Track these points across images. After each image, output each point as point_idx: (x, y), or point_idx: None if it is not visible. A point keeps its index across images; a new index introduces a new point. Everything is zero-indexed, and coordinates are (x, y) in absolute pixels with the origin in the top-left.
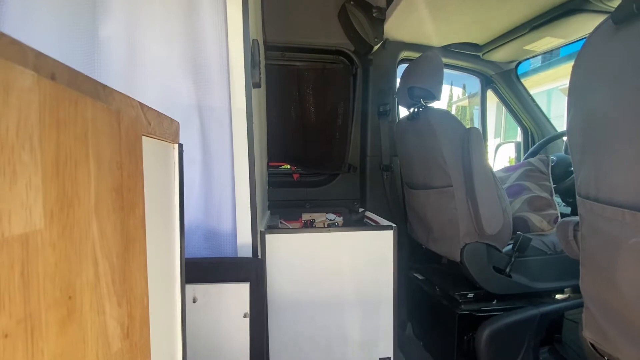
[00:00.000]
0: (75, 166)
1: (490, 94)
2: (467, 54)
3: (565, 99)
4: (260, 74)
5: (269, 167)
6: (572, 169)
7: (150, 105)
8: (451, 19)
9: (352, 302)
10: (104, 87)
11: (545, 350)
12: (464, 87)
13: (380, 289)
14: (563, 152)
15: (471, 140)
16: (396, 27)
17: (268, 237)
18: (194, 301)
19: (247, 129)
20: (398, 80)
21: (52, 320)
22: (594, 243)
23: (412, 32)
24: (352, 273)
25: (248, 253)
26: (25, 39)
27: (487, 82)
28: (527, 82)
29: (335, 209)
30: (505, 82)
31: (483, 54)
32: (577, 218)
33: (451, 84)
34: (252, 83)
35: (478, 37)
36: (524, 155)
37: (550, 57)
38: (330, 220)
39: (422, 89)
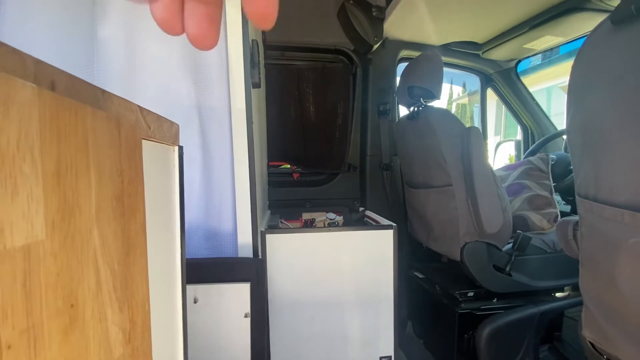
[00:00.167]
0: (75, 176)
1: (490, 92)
2: (467, 53)
3: (565, 96)
4: (259, 74)
5: (269, 166)
6: (572, 167)
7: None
8: (451, 18)
9: (352, 301)
10: (103, 92)
11: (545, 349)
12: (463, 85)
13: (381, 288)
14: (563, 151)
15: (471, 140)
16: (396, 26)
17: (268, 237)
18: (195, 301)
19: (247, 129)
20: (398, 79)
21: (55, 330)
22: (593, 243)
23: (412, 31)
24: (353, 272)
25: (249, 253)
26: (25, 40)
27: (487, 81)
28: (527, 80)
29: (335, 208)
30: (505, 80)
31: (483, 53)
32: (576, 217)
33: (451, 82)
34: (251, 83)
35: (478, 35)
36: (524, 153)
37: (550, 55)
38: (331, 219)
39: (422, 88)
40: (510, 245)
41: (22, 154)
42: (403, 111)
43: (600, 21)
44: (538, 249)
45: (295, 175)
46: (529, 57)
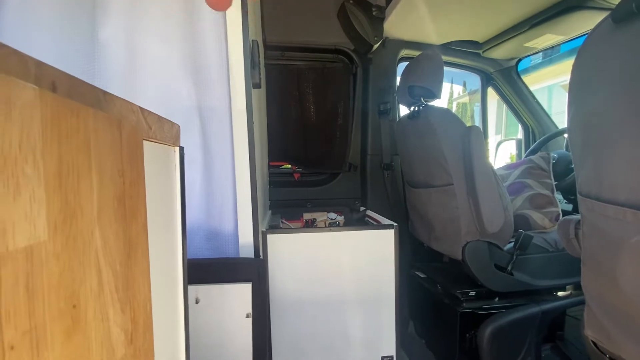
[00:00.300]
0: (77, 177)
1: (490, 91)
2: (467, 52)
3: (566, 95)
4: (260, 74)
5: (269, 167)
6: (573, 166)
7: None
8: (451, 17)
9: (354, 301)
10: (105, 93)
11: (548, 348)
12: (464, 84)
13: (382, 287)
14: (564, 149)
15: (472, 139)
16: (396, 26)
17: (270, 237)
18: (197, 302)
19: (248, 130)
20: (398, 79)
21: (57, 331)
22: (595, 242)
23: (412, 30)
24: (354, 272)
25: (250, 253)
26: (26, 41)
27: (487, 80)
28: (527, 78)
29: (336, 208)
30: (506, 79)
31: (483, 52)
32: (578, 216)
33: (451, 81)
34: (252, 83)
35: (478, 34)
36: (525, 152)
37: (551, 53)
38: (332, 219)
39: (423, 87)
40: (512, 244)
41: (24, 156)
42: (404, 110)
43: (601, 19)
44: (540, 248)
45: (296, 175)
46: (529, 55)
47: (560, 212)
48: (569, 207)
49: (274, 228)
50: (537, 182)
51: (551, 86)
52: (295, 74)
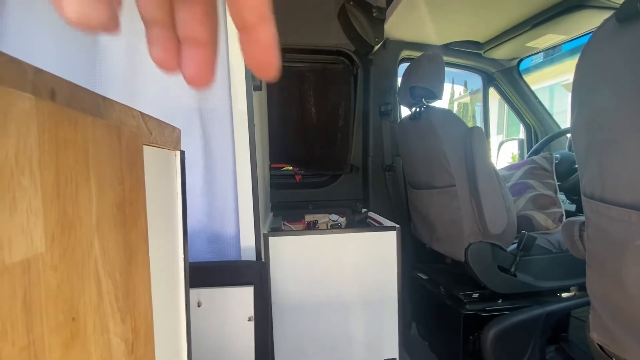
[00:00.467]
0: (75, 187)
1: (492, 91)
2: (469, 52)
3: (568, 94)
4: None
5: (271, 169)
6: (577, 166)
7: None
8: (451, 17)
9: (356, 303)
10: (104, 99)
11: (552, 350)
12: (465, 84)
13: (385, 289)
14: (567, 149)
15: (474, 140)
16: (396, 27)
17: (271, 239)
18: (199, 305)
19: (249, 132)
20: (399, 80)
21: (56, 344)
22: (600, 244)
23: (413, 31)
24: (356, 274)
25: (252, 256)
26: (27, 47)
27: (489, 80)
28: (529, 78)
29: (338, 209)
30: (507, 79)
31: (484, 52)
32: (582, 218)
33: (452, 82)
34: (253, 86)
35: (479, 35)
36: (527, 153)
37: (552, 53)
38: (334, 221)
39: (424, 88)
40: (515, 245)
41: (21, 167)
42: (405, 111)
43: (605, 19)
44: (543, 249)
45: (298, 177)
46: (531, 55)
47: (564, 213)
48: (572, 207)
49: (275, 230)
50: (539, 183)
51: (553, 85)
52: (296, 76)
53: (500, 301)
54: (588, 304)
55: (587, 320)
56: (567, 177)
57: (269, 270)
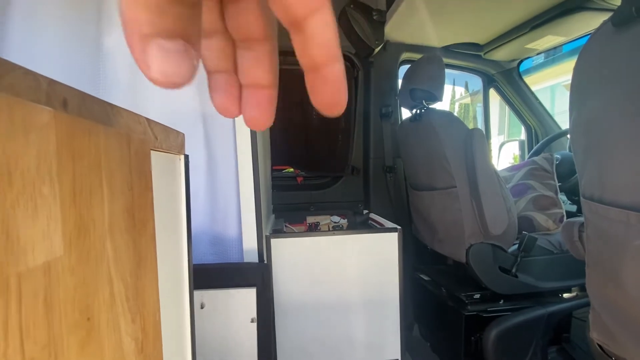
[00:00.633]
0: (89, 194)
1: (493, 92)
2: (469, 54)
3: (569, 95)
4: None
5: (272, 171)
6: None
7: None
8: (451, 20)
9: (358, 304)
10: (112, 107)
11: (554, 350)
12: (466, 85)
13: (386, 290)
14: (567, 150)
15: (474, 141)
16: (397, 29)
17: (273, 241)
18: (202, 307)
19: (251, 135)
20: (400, 82)
21: (73, 342)
22: (599, 244)
23: (413, 33)
24: (358, 275)
25: (254, 258)
26: (32, 51)
27: (489, 81)
28: (530, 78)
29: (339, 211)
30: (508, 80)
31: (484, 54)
32: (582, 218)
33: (453, 83)
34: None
35: (479, 36)
36: (528, 153)
37: (553, 53)
38: (335, 222)
39: (424, 90)
40: (516, 246)
41: (42, 177)
42: (405, 113)
43: (602, 22)
44: (544, 250)
45: (299, 179)
46: (531, 57)
47: (565, 214)
48: (573, 208)
49: (277, 232)
50: (540, 184)
51: (554, 86)
52: (297, 79)
53: (501, 302)
54: (589, 304)
55: (588, 321)
56: (567, 177)
57: (271, 271)
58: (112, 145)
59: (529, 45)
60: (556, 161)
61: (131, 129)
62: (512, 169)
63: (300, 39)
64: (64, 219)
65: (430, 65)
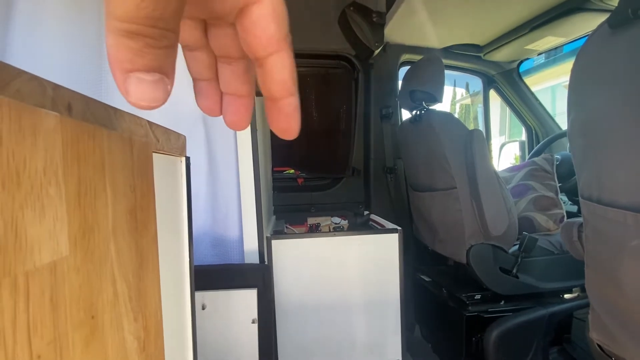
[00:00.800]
0: (94, 195)
1: (493, 93)
2: (468, 55)
3: None
4: None
5: (273, 172)
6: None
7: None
8: (451, 21)
9: (359, 305)
10: (115, 110)
11: (555, 351)
12: (466, 86)
13: (387, 291)
14: (568, 151)
15: (474, 143)
16: (396, 31)
17: (274, 242)
18: (203, 308)
19: (252, 137)
20: (400, 83)
21: (78, 340)
22: (598, 244)
23: (413, 35)
24: (359, 276)
25: (255, 259)
26: (35, 52)
27: (489, 82)
28: (531, 79)
29: (340, 212)
30: (508, 81)
31: (484, 55)
32: (581, 219)
33: (454, 83)
34: (255, 91)
35: (478, 38)
36: (528, 154)
37: (554, 54)
38: (336, 223)
39: (424, 91)
40: (517, 247)
41: (48, 178)
42: (405, 114)
43: (599, 25)
44: (545, 250)
45: (300, 181)
46: (530, 58)
47: (565, 214)
48: (574, 208)
49: (278, 233)
50: (540, 184)
51: (554, 86)
52: (297, 80)
53: (502, 302)
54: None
55: (587, 321)
56: (568, 178)
57: (272, 273)
58: (115, 148)
59: (529, 46)
60: (556, 162)
61: (133, 131)
62: (513, 169)
63: (261, 73)
64: (70, 219)
65: (430, 67)
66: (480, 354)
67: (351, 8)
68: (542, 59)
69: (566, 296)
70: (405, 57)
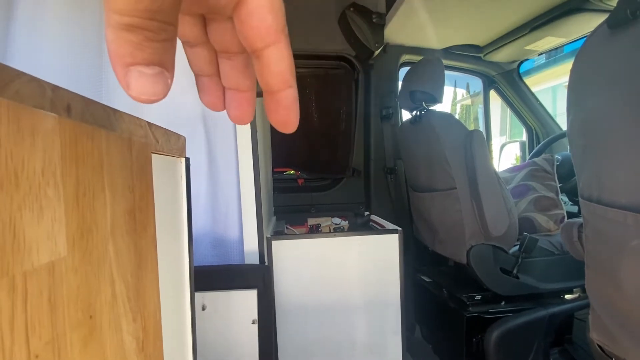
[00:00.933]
0: (92, 196)
1: (493, 94)
2: (469, 55)
3: None
4: None
5: (273, 173)
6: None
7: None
8: (451, 22)
9: (359, 306)
10: (115, 111)
11: (556, 352)
12: (467, 87)
13: (388, 292)
14: (568, 151)
15: (474, 143)
16: (396, 32)
17: (274, 243)
18: (203, 309)
19: (252, 137)
20: (400, 84)
21: (76, 340)
22: (598, 245)
23: (413, 35)
24: (359, 277)
25: (255, 260)
26: (35, 53)
27: (489, 83)
28: (531, 79)
29: (340, 213)
30: (508, 82)
31: (484, 55)
32: (581, 219)
33: (454, 84)
34: (255, 92)
35: (478, 38)
36: (529, 155)
37: (554, 54)
38: (336, 224)
39: (424, 92)
40: (517, 247)
41: (47, 179)
42: (406, 115)
43: (597, 25)
44: (545, 251)
45: (300, 181)
46: (530, 58)
47: (565, 215)
48: (575, 209)
49: (278, 234)
50: (541, 185)
51: (555, 87)
52: (297, 81)
53: (503, 303)
54: None
55: (588, 321)
56: (568, 178)
57: (272, 273)
58: (114, 148)
59: (529, 47)
60: (557, 162)
61: (132, 132)
62: (513, 170)
63: (259, 65)
64: (68, 220)
65: (429, 67)
66: (480, 355)
67: (351, 9)
68: (542, 59)
69: (567, 297)
70: (405, 57)
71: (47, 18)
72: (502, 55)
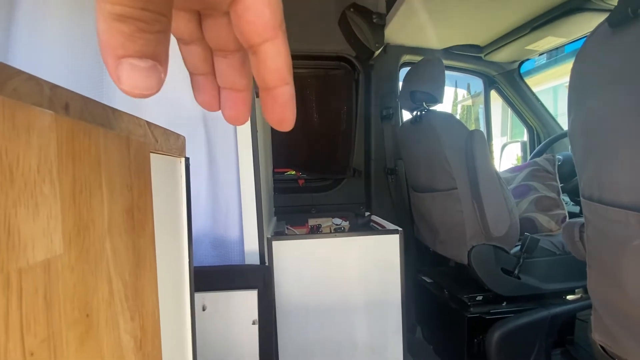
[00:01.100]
0: (89, 194)
1: (494, 94)
2: (469, 56)
3: None
4: None
5: (274, 173)
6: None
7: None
8: (451, 22)
9: (360, 306)
10: (114, 111)
11: (558, 353)
12: (468, 87)
13: (388, 293)
14: (569, 151)
15: (474, 143)
16: (396, 32)
17: (275, 243)
18: (203, 309)
19: (252, 138)
20: (400, 84)
21: (72, 338)
22: (599, 245)
23: (413, 35)
24: (360, 277)
25: (255, 260)
26: (37, 54)
27: (490, 83)
28: (532, 79)
29: (341, 213)
30: (509, 82)
31: (485, 55)
32: (583, 219)
33: (455, 84)
34: (255, 92)
35: (479, 38)
36: (530, 155)
37: (555, 54)
38: (337, 225)
39: (424, 92)
40: (518, 247)
41: (42, 176)
42: (406, 115)
43: (598, 24)
44: (547, 251)
45: (301, 182)
46: (531, 58)
47: (567, 215)
48: (576, 209)
49: (279, 234)
50: (542, 185)
51: (557, 87)
52: (297, 82)
53: (504, 304)
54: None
55: (590, 322)
56: (570, 178)
57: (272, 274)
58: (112, 146)
59: (530, 47)
60: (558, 162)
61: (131, 131)
62: (514, 170)
63: (255, 61)
64: (64, 218)
65: (430, 68)
66: (482, 356)
67: (351, 9)
68: (543, 59)
69: (568, 297)
70: (405, 58)
71: (48, 19)
72: (502, 55)
